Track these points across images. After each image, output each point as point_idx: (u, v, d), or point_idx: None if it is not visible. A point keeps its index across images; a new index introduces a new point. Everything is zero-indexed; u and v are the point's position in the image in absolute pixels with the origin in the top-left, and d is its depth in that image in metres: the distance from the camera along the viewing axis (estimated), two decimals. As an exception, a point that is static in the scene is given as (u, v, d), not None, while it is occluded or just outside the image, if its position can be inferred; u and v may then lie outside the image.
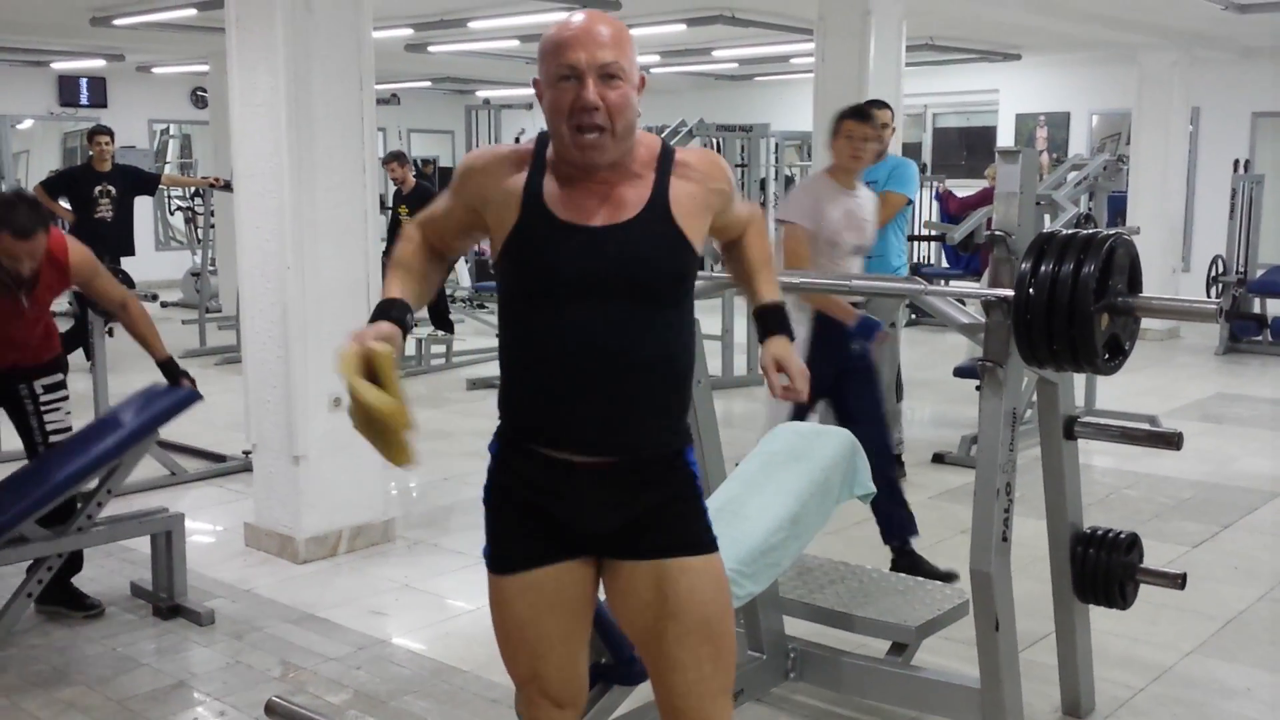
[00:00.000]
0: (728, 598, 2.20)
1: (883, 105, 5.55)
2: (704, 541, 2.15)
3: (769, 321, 2.32)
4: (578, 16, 2.02)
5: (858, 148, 4.35)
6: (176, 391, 4.14)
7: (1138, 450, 4.59)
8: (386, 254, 11.18)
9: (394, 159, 9.98)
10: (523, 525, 2.13)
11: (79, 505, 3.97)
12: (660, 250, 2.06)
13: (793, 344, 2.30)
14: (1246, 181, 10.34)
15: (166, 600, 4.17)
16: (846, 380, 4.29)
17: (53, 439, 4.11)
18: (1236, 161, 10.85)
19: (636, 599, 2.12)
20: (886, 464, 4.33)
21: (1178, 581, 3.14)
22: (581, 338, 2.03)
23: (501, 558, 2.17)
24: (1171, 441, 2.95)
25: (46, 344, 4.17)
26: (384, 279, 2.25)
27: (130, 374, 5.48)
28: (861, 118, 4.43)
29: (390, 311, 2.11)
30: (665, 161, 2.11)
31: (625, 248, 2.04)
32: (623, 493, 2.10)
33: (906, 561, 4.34)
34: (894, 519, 4.37)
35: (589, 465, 2.08)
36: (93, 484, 3.99)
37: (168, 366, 4.16)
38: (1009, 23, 9.54)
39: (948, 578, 4.17)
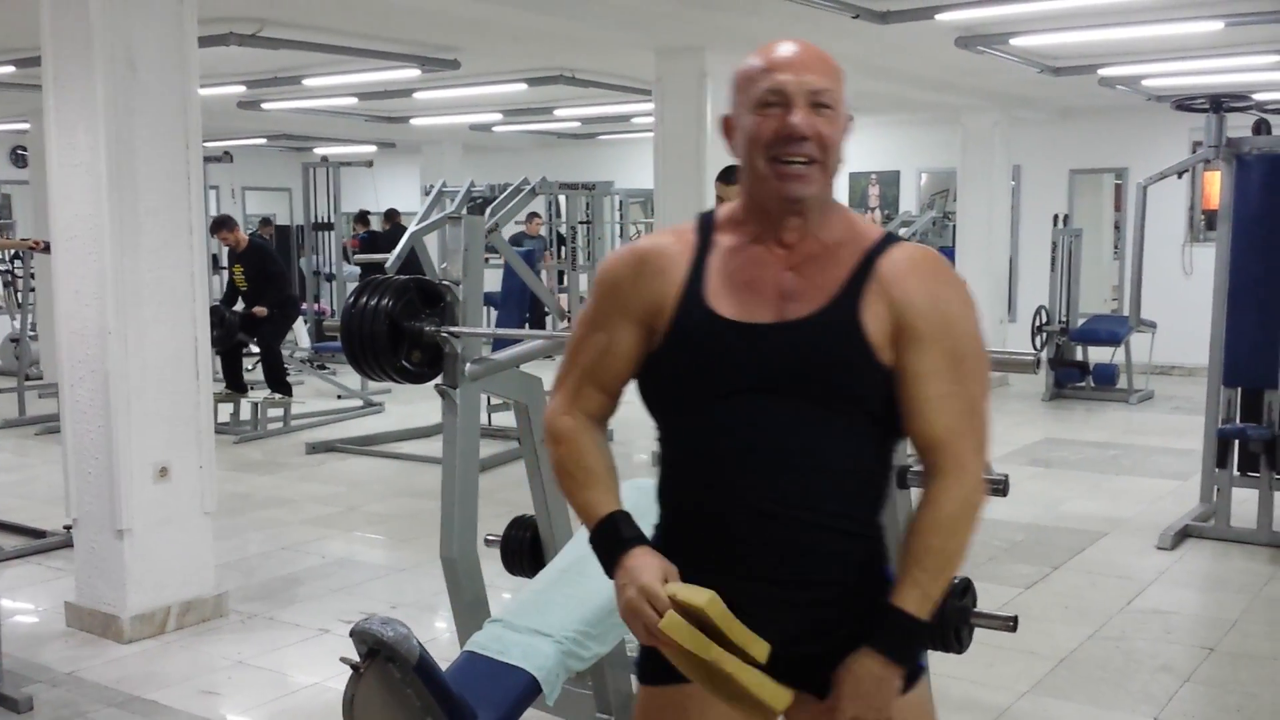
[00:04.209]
0: None
1: None
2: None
3: (885, 630, 1.73)
4: (785, 43, 1.71)
5: None
6: None
7: (971, 496, 4.71)
8: (226, 302, 10.72)
9: (220, 227, 9.20)
10: None
11: None
12: (837, 360, 1.68)
13: (897, 679, 1.72)
14: (1066, 235, 10.87)
15: (-23, 689, 3.92)
16: None
17: None
18: (1056, 216, 11.40)
19: None
20: None
21: (1010, 624, 3.21)
22: (739, 441, 1.68)
23: (645, 663, 1.81)
24: (998, 488, 3.03)
25: None
26: (571, 494, 1.82)
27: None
28: None
29: (624, 531, 1.74)
30: (877, 248, 1.72)
31: (796, 352, 1.68)
32: (802, 613, 1.75)
33: None
34: None
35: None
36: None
37: None
38: (840, 85, 9.86)
39: None
